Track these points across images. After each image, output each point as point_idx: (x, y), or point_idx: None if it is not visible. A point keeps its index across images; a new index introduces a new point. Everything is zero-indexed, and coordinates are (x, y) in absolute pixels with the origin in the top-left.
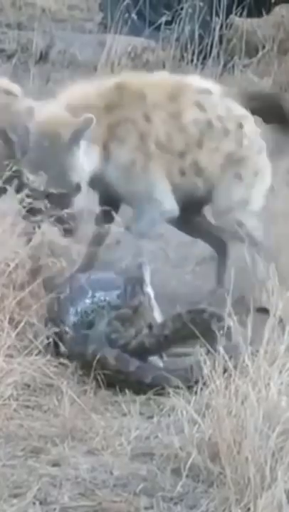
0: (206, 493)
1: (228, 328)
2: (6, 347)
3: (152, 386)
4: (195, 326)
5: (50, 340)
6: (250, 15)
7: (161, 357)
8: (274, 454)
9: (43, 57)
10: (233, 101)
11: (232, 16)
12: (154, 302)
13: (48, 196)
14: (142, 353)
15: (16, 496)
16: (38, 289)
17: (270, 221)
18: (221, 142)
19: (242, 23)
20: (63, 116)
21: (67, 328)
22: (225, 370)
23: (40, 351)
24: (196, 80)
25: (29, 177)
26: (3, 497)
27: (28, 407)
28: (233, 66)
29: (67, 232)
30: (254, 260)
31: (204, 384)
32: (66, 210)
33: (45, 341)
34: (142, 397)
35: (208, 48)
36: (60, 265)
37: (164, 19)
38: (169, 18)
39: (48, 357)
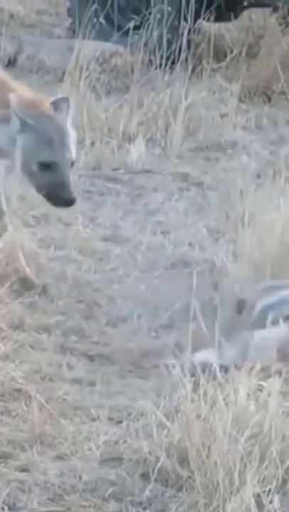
0: (174, 497)
1: None
2: None
3: None
4: None
5: None
6: (218, 19)
7: None
8: (243, 458)
9: (11, 63)
10: None
11: (200, 21)
12: None
13: None
14: None
15: None
16: (5, 294)
17: None
18: None
19: (210, 27)
20: None
21: None
22: (193, 375)
23: (8, 356)
24: None
25: None
26: None
27: None
28: (201, 70)
29: None
30: None
31: (173, 388)
32: None
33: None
34: (111, 402)
35: (177, 52)
36: None
37: (132, 24)
38: (138, 23)
39: (17, 362)
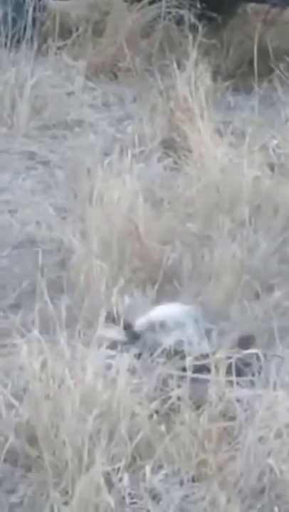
0: (24, 477)
1: None
2: None
3: None
4: None
5: None
6: None
7: None
8: (91, 437)
9: None
10: None
11: None
12: None
13: None
14: None
15: None
16: None
17: None
18: None
19: (55, 5)
20: None
21: None
22: (40, 353)
23: None
24: None
25: None
26: None
27: None
28: (47, 49)
29: None
30: None
31: (21, 368)
32: None
33: None
34: None
35: (22, 31)
36: None
37: None
38: None
39: None
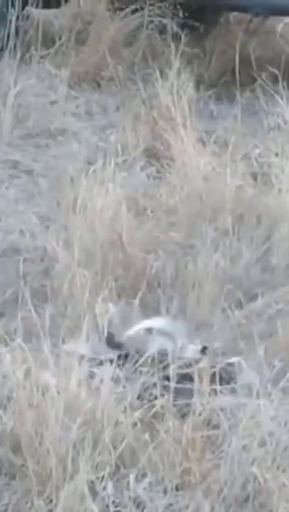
0: (8, 485)
1: None
2: None
3: None
4: None
5: None
6: (46, 6)
7: None
8: (75, 445)
9: None
10: None
11: (28, 8)
12: None
13: None
14: None
15: None
16: None
17: None
18: None
19: (38, 14)
20: None
21: None
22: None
23: None
24: None
25: None
26: None
27: None
28: (30, 58)
29: None
30: None
31: (4, 376)
32: None
33: None
34: None
35: (5, 40)
36: None
37: None
38: None
39: None
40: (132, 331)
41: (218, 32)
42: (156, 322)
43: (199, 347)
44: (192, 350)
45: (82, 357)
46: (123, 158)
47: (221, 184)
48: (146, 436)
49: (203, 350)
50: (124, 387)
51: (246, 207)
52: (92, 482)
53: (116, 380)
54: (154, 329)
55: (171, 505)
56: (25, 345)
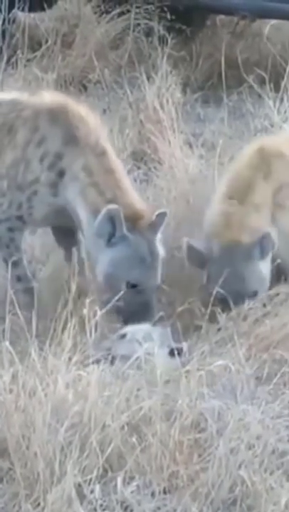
0: None
1: None
2: None
3: None
4: None
5: None
6: (32, 9)
7: None
8: (63, 449)
9: None
10: None
11: (15, 11)
12: None
13: None
14: None
15: None
16: None
17: None
18: None
19: (25, 17)
20: None
21: None
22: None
23: None
24: None
25: None
26: None
27: None
28: (16, 61)
29: None
30: None
31: None
32: None
33: None
34: None
35: None
36: None
37: None
38: None
39: None
40: (117, 331)
41: (205, 35)
42: (133, 327)
43: (167, 350)
44: (160, 353)
45: (69, 360)
46: None
47: (209, 186)
48: (134, 439)
49: (171, 352)
50: (111, 390)
51: None
52: (80, 485)
53: (103, 384)
54: (140, 331)
55: (158, 508)
56: (13, 348)
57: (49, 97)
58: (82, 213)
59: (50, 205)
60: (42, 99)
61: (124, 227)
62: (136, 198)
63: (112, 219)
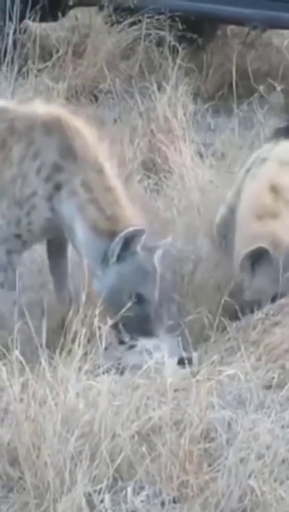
0: (6, 498)
1: None
2: None
3: None
4: None
5: None
6: (44, 19)
7: None
8: (73, 458)
9: None
10: None
11: (26, 21)
12: None
13: None
14: None
15: None
16: None
17: None
18: None
19: (36, 27)
20: None
21: None
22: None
23: None
24: None
25: None
26: None
27: None
28: (27, 71)
29: None
30: None
31: (1, 390)
32: None
33: None
34: None
35: (2, 53)
36: None
37: None
38: None
39: None
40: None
41: (216, 45)
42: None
43: (176, 359)
44: (169, 363)
45: (79, 369)
46: (121, 171)
47: (219, 196)
48: (144, 448)
49: (181, 362)
50: (121, 399)
51: None
52: (90, 495)
53: (113, 393)
54: (151, 341)
55: None
56: (23, 357)
57: (43, 108)
58: (80, 229)
59: (48, 220)
60: (35, 109)
61: (140, 245)
62: (134, 215)
63: (130, 238)
